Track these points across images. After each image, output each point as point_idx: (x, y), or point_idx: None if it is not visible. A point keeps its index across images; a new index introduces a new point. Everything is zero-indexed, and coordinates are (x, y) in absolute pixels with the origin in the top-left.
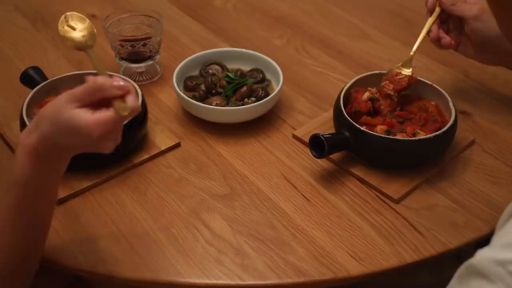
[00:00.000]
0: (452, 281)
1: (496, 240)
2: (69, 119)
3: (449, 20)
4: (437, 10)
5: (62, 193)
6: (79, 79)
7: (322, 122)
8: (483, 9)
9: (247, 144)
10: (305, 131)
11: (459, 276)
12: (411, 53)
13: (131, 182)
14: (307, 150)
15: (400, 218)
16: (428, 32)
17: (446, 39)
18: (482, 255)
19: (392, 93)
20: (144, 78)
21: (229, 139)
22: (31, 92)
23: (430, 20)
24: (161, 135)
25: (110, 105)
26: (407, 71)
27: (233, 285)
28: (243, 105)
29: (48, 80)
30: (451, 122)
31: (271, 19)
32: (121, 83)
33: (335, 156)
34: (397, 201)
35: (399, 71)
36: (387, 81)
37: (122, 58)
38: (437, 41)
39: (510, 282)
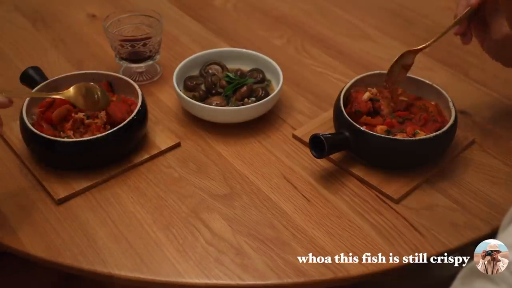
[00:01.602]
0: (455, 282)
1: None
2: None
3: (478, 14)
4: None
5: (62, 193)
6: (79, 79)
7: (322, 122)
8: (508, 37)
9: (247, 144)
10: (305, 131)
11: (462, 277)
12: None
13: (131, 182)
14: (307, 150)
15: (400, 218)
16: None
17: (468, 38)
18: None
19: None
20: (144, 78)
21: (229, 139)
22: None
23: (467, 12)
24: (161, 135)
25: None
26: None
27: (233, 285)
28: (243, 105)
29: (48, 80)
30: (451, 122)
31: (271, 19)
32: None
33: (335, 156)
34: (397, 201)
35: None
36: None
37: (122, 58)
38: (460, 35)
39: None
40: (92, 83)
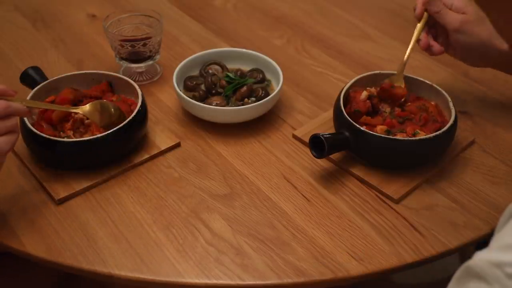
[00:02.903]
0: (451, 283)
1: (494, 242)
2: None
3: (436, 24)
4: (425, 16)
5: (62, 193)
6: (79, 79)
7: (322, 122)
8: (465, 21)
9: (247, 144)
10: (305, 131)
11: (457, 278)
12: (405, 58)
13: (131, 182)
14: (307, 150)
15: (400, 218)
16: (418, 40)
17: (436, 47)
18: (480, 257)
19: (388, 109)
20: (144, 78)
21: (229, 139)
22: (31, 92)
23: (419, 27)
24: (161, 135)
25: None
26: (399, 84)
27: (233, 285)
28: (243, 105)
29: (48, 80)
30: (451, 122)
31: (271, 19)
32: None
33: (335, 156)
34: (397, 201)
35: (391, 83)
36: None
37: (122, 58)
38: (428, 50)
39: (507, 283)
40: (106, 100)
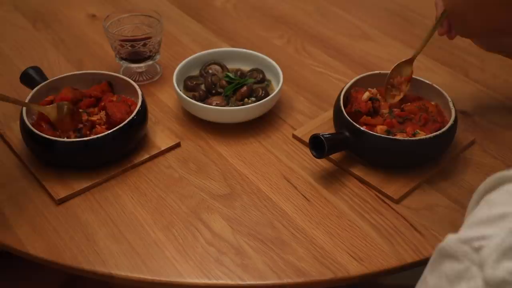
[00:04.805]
0: (426, 268)
1: (463, 225)
2: None
3: None
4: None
5: (62, 193)
6: (79, 79)
7: (322, 122)
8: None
9: (247, 144)
10: (305, 131)
11: (432, 262)
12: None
13: (131, 182)
14: (307, 150)
15: (400, 218)
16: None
17: (452, 33)
18: (450, 238)
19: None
20: (144, 78)
21: (229, 139)
22: (31, 92)
23: (440, 17)
24: (161, 135)
25: None
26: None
27: (233, 285)
28: (243, 105)
29: (48, 80)
30: (451, 122)
31: (271, 19)
32: None
33: (335, 156)
34: (397, 201)
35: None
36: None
37: (122, 58)
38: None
39: (474, 258)
40: (66, 102)
